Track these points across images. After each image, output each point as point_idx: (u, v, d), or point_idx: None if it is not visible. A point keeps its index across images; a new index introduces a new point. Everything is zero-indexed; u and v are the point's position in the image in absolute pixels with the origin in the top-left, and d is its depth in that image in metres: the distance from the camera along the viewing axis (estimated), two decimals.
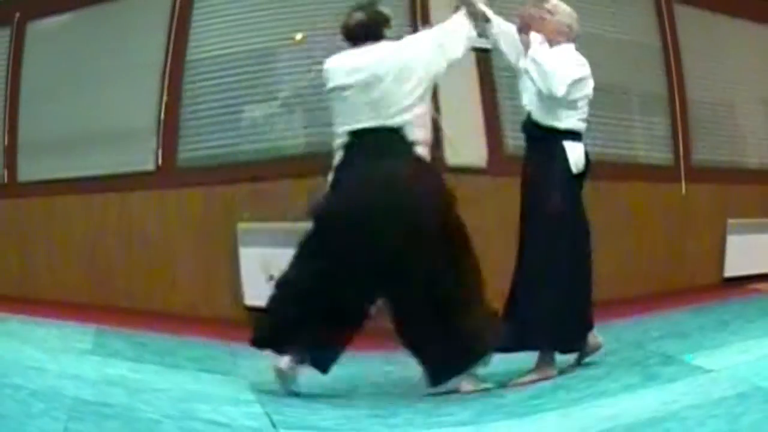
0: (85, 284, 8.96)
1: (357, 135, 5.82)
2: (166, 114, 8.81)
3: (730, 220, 9.31)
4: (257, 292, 7.96)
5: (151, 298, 8.75)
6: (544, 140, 6.12)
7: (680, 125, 9.29)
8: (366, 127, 5.80)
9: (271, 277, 7.96)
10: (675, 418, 4.46)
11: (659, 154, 9.32)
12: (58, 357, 6.51)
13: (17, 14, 9.19)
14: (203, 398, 5.70)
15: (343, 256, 5.71)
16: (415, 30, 8.23)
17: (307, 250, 5.89)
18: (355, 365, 6.60)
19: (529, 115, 6.20)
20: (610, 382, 5.59)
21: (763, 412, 4.32)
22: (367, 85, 5.79)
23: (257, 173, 8.46)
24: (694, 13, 9.53)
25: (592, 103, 8.51)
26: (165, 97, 8.81)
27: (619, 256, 8.53)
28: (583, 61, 6.23)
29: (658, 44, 9.33)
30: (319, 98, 8.05)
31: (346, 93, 5.85)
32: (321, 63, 6.56)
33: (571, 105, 6.13)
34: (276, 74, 8.78)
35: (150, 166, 8.85)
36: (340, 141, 5.90)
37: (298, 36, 8.64)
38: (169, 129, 8.78)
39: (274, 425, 5.10)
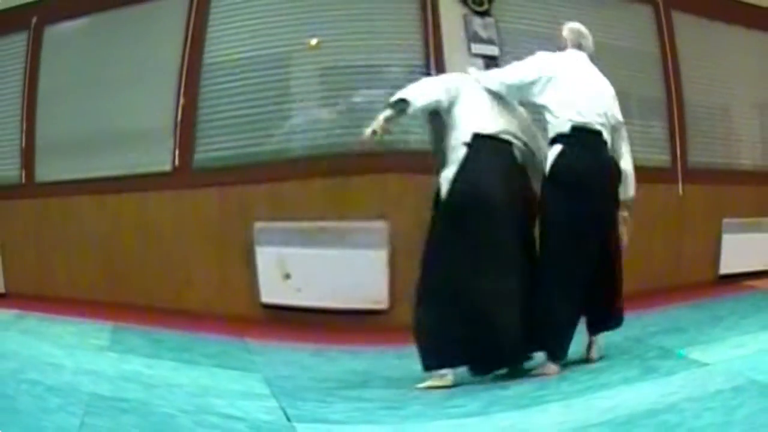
0: (101, 283, 8.89)
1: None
2: (182, 116, 8.72)
3: (725, 220, 9.33)
4: (273, 289, 8.14)
5: (167, 296, 8.67)
6: None
7: (677, 128, 9.31)
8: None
9: (287, 276, 8.02)
10: (673, 410, 4.47)
11: (657, 156, 9.32)
12: (75, 353, 6.44)
13: (34, 18, 9.14)
14: (219, 393, 5.67)
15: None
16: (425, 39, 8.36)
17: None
18: (367, 359, 6.70)
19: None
20: (611, 374, 5.59)
21: (758, 405, 4.33)
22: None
23: (272, 174, 8.40)
24: (692, 21, 9.53)
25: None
26: (182, 100, 8.73)
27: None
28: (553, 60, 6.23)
29: (658, 51, 9.36)
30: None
31: None
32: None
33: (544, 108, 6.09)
34: (290, 78, 8.72)
35: (167, 167, 8.76)
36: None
37: (313, 42, 8.60)
38: (186, 130, 8.71)
39: (288, 418, 5.08)
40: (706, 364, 5.47)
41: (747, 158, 9.80)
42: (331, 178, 8.25)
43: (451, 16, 8.60)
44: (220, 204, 8.54)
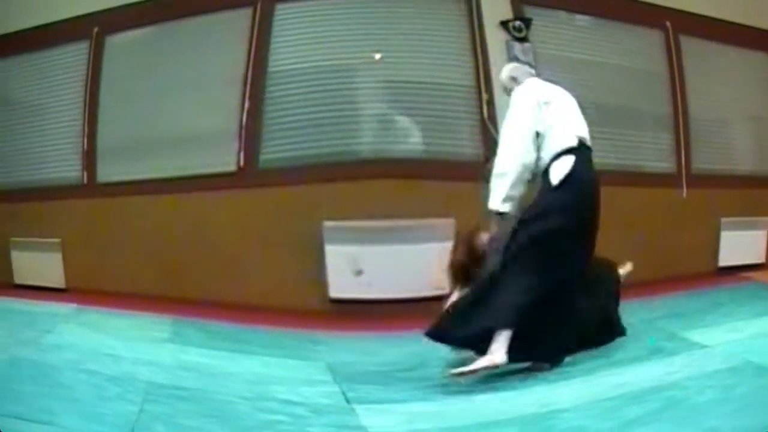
0: (160, 278, 8.47)
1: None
2: (248, 119, 8.41)
3: (724, 219, 9.28)
4: (342, 285, 7.95)
5: (229, 292, 8.25)
6: None
7: (682, 139, 9.27)
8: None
9: (359, 272, 7.92)
10: (676, 387, 4.49)
11: (664, 164, 9.30)
12: (134, 345, 6.20)
13: (96, 29, 8.85)
14: (279, 380, 5.46)
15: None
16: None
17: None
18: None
19: None
20: (622, 354, 5.60)
21: (753, 385, 4.35)
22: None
23: (338, 174, 8.13)
24: (697, 43, 9.46)
25: (610, 122, 8.85)
26: (247, 103, 8.41)
27: (630, 249, 8.23)
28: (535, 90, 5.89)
29: (666, 71, 9.31)
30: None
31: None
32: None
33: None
34: (350, 87, 8.50)
35: (231, 167, 8.47)
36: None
37: (377, 56, 8.47)
38: (251, 132, 8.43)
39: (347, 401, 4.97)
40: (706, 346, 5.47)
41: (743, 165, 9.74)
42: (398, 179, 8.10)
43: (495, 41, 8.58)
44: (285, 203, 8.23)
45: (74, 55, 8.97)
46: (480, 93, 8.43)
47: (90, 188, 8.89)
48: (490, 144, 8.14)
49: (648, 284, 8.18)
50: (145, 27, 8.93)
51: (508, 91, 6.02)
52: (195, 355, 6.06)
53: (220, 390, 5.06)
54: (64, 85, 9.02)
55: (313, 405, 4.86)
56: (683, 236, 9.05)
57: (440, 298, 7.65)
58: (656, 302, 7.70)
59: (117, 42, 8.92)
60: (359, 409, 4.79)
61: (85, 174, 8.88)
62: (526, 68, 6.30)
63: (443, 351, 5.81)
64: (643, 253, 8.47)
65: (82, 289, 8.53)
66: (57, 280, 8.71)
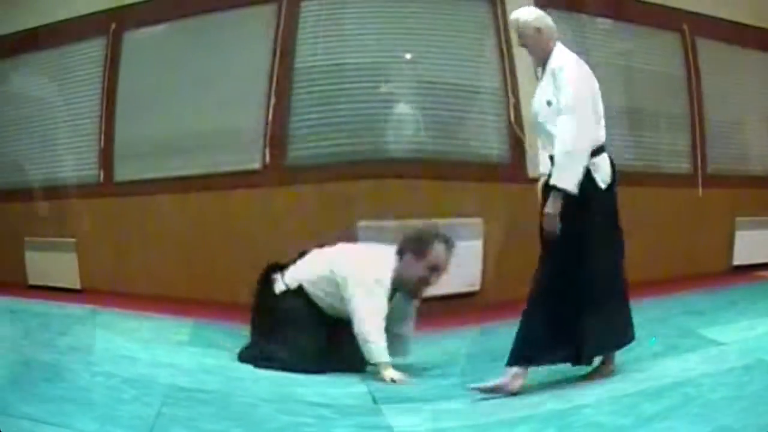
0: (181, 279, 8.20)
1: None
2: (274, 115, 8.12)
3: (738, 218, 9.33)
4: None
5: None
6: None
7: (699, 140, 9.30)
8: None
9: None
10: (692, 384, 4.49)
11: (681, 164, 9.34)
12: (152, 347, 6.04)
13: (113, 25, 8.65)
14: (306, 383, 5.35)
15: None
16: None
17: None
18: (459, 339, 6.57)
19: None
20: (642, 349, 5.53)
21: (765, 383, 4.37)
22: None
23: (371, 173, 7.95)
24: (713, 45, 9.48)
25: (628, 124, 8.93)
26: (273, 100, 8.16)
27: (648, 247, 8.44)
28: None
29: (683, 73, 9.33)
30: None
31: None
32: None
33: None
34: (377, 85, 8.34)
35: (256, 165, 8.18)
36: None
37: (407, 56, 8.43)
38: (277, 129, 8.19)
39: (375, 401, 4.91)
40: (721, 344, 5.49)
41: (758, 165, 9.77)
42: (431, 180, 8.06)
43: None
44: (315, 201, 7.97)
45: (91, 52, 8.81)
46: (507, 96, 8.49)
47: (107, 187, 8.68)
48: (516, 147, 8.30)
49: (665, 282, 8.25)
50: (164, 23, 8.76)
51: (525, 39, 5.22)
52: (218, 358, 5.91)
53: (243, 393, 4.96)
54: (80, 82, 8.86)
55: (339, 406, 4.77)
56: (699, 235, 9.07)
57: (473, 295, 7.76)
58: (673, 300, 7.71)
59: (136, 38, 8.74)
60: (386, 409, 4.72)
61: (102, 173, 8.69)
62: (554, 25, 5.33)
63: (468, 349, 5.87)
64: (661, 252, 8.71)
65: (98, 291, 8.34)
66: (72, 280, 8.54)
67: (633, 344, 5.57)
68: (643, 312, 6.28)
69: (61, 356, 5.42)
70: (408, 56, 8.43)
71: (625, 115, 8.92)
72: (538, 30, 5.18)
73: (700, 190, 9.20)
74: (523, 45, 5.26)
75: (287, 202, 8.07)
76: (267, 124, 8.23)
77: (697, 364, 4.99)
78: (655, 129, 9.26)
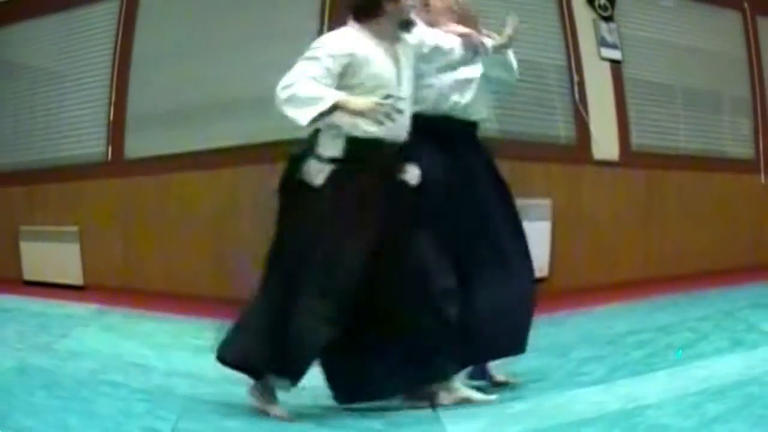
0: (207, 273, 7.37)
1: None
2: None
3: None
4: None
5: None
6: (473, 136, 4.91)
7: (761, 124, 9.12)
8: None
9: None
10: (756, 382, 4.37)
11: (743, 149, 9.16)
12: (168, 353, 5.66)
13: None
14: None
15: None
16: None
17: None
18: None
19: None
20: (706, 344, 5.50)
21: None
22: None
23: None
24: None
25: (690, 105, 8.86)
26: None
27: (710, 236, 8.55)
28: None
29: (744, 54, 9.16)
30: None
31: None
32: None
33: None
34: None
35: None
36: None
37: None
38: None
39: (433, 408, 4.54)
40: None
41: None
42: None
43: (584, 21, 8.42)
44: None
45: (103, 15, 8.13)
46: (571, 73, 8.33)
47: (116, 165, 7.92)
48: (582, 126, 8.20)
49: (728, 273, 8.13)
50: None
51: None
52: None
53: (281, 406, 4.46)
54: (89, 49, 8.18)
55: (392, 417, 4.41)
56: (762, 224, 8.92)
57: (541, 281, 7.41)
58: (737, 292, 7.56)
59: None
60: (444, 416, 4.39)
61: (110, 149, 7.96)
62: None
63: (534, 340, 5.50)
64: (724, 241, 8.61)
65: (105, 287, 7.70)
66: (74, 276, 7.88)
67: (695, 340, 5.62)
68: (710, 303, 6.43)
69: (62, 362, 5.14)
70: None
71: (689, 95, 8.83)
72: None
73: (763, 176, 9.04)
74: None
75: None
76: None
77: (762, 362, 4.87)
78: (717, 111, 9.10)
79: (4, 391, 4.31)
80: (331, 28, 6.81)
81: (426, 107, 4.67)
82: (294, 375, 4.32)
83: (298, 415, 4.34)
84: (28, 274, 8.07)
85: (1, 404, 4.05)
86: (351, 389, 4.50)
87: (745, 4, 9.13)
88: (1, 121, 8.54)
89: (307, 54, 4.38)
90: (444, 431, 4.15)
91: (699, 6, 8.98)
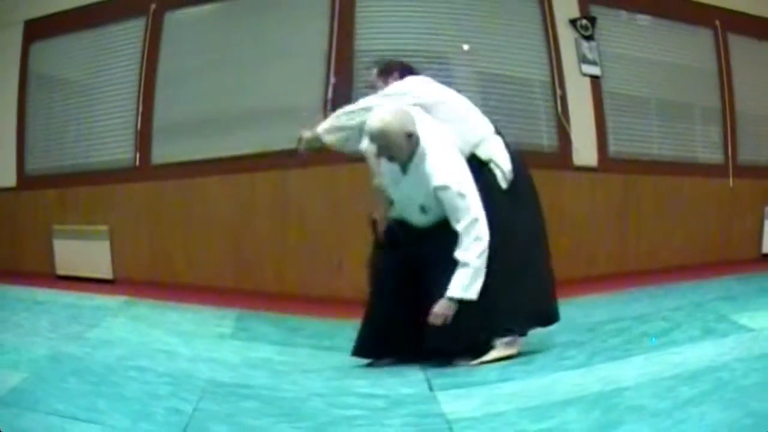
0: (227, 268, 7.75)
1: None
2: (334, 94, 7.50)
3: (767, 208, 9.38)
4: None
5: (313, 283, 7.41)
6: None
7: (730, 132, 9.33)
8: None
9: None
10: (726, 368, 4.36)
11: (713, 155, 9.37)
12: (192, 341, 5.65)
13: (153, 5, 8.25)
14: (360, 375, 5.06)
15: None
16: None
17: None
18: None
19: None
20: (679, 333, 5.53)
21: None
22: None
23: None
24: (744, 41, 9.51)
25: (664, 116, 9.01)
26: (333, 79, 7.63)
27: (682, 234, 8.78)
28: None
29: (715, 67, 9.36)
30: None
31: None
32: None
33: None
34: (437, 74, 7.64)
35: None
36: None
37: (465, 47, 8.35)
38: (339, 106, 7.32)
39: (431, 388, 4.69)
40: (753, 330, 5.35)
41: None
42: None
43: (566, 40, 8.62)
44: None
45: (130, 33, 8.39)
46: (555, 88, 8.56)
47: (143, 170, 8.17)
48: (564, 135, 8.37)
49: (698, 268, 8.35)
50: (205, 3, 8.31)
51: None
52: (265, 352, 5.52)
53: (292, 387, 4.63)
54: (118, 63, 8.45)
55: (394, 396, 4.48)
56: (729, 223, 9.12)
57: None
58: (707, 285, 7.67)
59: (177, 18, 8.29)
60: (441, 396, 4.49)
61: (138, 155, 8.21)
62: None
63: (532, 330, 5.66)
64: (694, 238, 8.85)
65: (133, 280, 7.86)
66: (104, 270, 8.03)
67: (670, 329, 5.65)
68: (683, 294, 6.43)
69: (92, 350, 5.07)
70: (466, 47, 8.40)
71: (663, 107, 9.01)
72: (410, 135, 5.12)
73: (731, 179, 9.20)
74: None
75: (351, 182, 7.05)
76: (326, 102, 7.58)
77: (730, 350, 4.85)
78: (689, 121, 9.33)
79: (38, 377, 4.29)
80: (338, 48, 7.65)
81: None
82: None
83: (308, 394, 4.44)
84: (61, 269, 8.25)
85: (35, 389, 4.05)
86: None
87: (716, 22, 9.33)
88: (37, 130, 8.78)
89: None
90: (440, 409, 4.24)
91: (673, 24, 9.19)
